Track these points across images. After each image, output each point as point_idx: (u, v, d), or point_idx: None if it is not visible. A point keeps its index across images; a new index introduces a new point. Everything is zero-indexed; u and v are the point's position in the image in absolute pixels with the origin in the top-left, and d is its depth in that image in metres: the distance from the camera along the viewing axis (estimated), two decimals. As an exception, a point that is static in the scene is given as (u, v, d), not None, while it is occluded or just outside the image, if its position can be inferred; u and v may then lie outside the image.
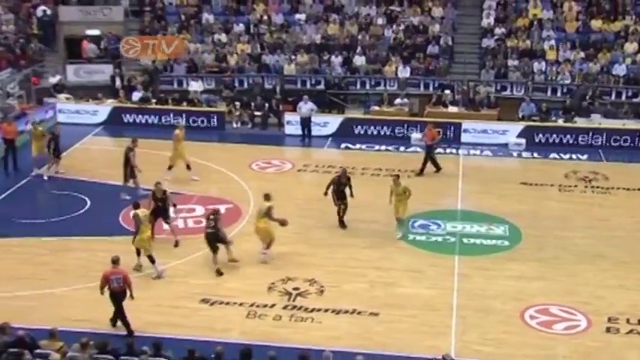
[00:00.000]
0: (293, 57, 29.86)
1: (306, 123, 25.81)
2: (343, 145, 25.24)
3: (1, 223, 18.64)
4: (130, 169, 20.02)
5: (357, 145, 25.08)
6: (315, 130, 25.83)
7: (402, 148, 24.88)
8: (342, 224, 18.59)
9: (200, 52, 30.31)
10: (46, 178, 21.19)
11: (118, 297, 13.96)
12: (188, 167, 21.27)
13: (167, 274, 16.26)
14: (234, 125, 27.16)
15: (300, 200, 20.04)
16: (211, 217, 16.74)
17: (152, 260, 16.19)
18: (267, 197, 17.08)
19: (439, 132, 23.51)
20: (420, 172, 22.28)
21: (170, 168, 21.24)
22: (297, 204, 19.59)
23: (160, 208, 17.71)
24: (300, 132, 25.81)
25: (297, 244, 17.88)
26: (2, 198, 20.39)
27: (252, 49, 30.54)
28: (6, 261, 16.80)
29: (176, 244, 17.67)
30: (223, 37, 31.08)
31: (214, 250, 16.52)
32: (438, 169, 22.46)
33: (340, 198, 18.47)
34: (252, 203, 20.04)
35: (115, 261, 14.02)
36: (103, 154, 24.35)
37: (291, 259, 17.10)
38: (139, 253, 16.45)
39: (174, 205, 17.98)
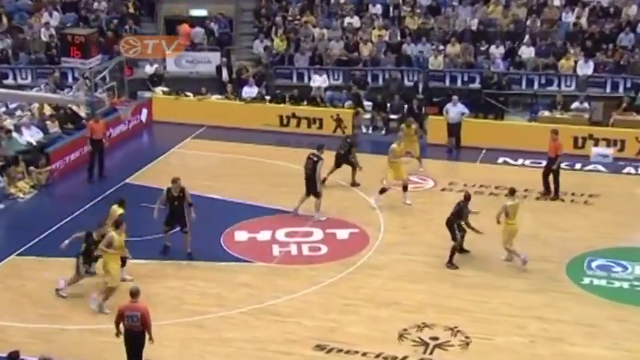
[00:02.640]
0: (441, 47, 29.78)
1: (454, 130, 25.63)
2: (501, 160, 24.92)
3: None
4: (312, 184, 20.46)
5: (519, 161, 24.63)
6: (466, 139, 25.68)
7: (578, 166, 24.26)
8: None
9: (326, 40, 30.75)
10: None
11: (133, 338, 13.93)
12: (404, 188, 21.60)
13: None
14: (364, 130, 27.32)
15: (443, 227, 19.82)
16: (348, 140, 22.89)
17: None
18: (512, 192, 18.56)
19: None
20: (554, 194, 22.00)
21: (383, 191, 21.47)
22: (437, 232, 19.42)
23: (177, 210, 18.38)
24: (446, 141, 25.71)
25: (437, 282, 17.76)
26: (84, 210, 21.37)
27: (390, 36, 30.69)
28: (86, 287, 17.42)
29: (189, 256, 18.37)
30: (355, 21, 31.38)
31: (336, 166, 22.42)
32: (550, 193, 21.93)
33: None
34: (382, 229, 20.01)
35: (134, 294, 14.03)
36: (203, 161, 25.08)
37: (428, 300, 16.99)
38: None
39: (191, 205, 18.46)
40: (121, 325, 13.97)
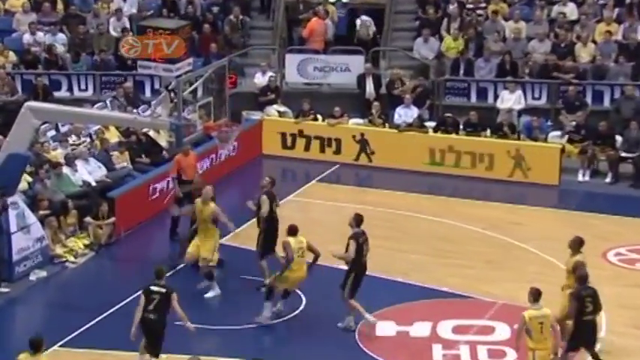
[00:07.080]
0: None
1: None
2: None
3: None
4: None
5: None
6: None
7: None
8: None
9: (524, 38, 30.73)
10: None
11: None
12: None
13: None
14: (580, 178, 27.29)
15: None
16: None
17: None
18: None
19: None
20: None
21: None
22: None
23: None
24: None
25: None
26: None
27: (625, 33, 30.44)
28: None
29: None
30: (571, 10, 31.26)
31: None
32: None
33: None
34: (603, 326, 19.59)
35: None
36: (332, 216, 25.24)
37: None
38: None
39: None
40: None
